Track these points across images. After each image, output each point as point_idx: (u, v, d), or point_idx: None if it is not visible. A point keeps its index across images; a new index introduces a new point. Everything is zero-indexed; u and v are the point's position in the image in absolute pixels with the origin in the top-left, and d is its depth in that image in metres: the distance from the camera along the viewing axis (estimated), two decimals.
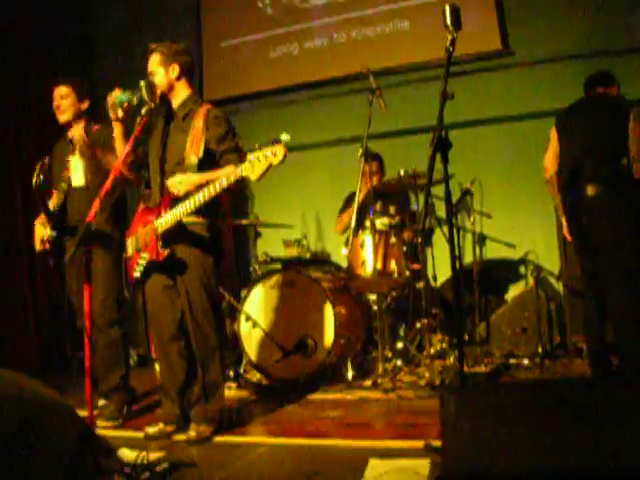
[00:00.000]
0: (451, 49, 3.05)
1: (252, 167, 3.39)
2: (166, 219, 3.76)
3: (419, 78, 6.79)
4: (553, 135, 4.74)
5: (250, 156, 3.39)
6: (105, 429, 4.18)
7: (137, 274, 3.92)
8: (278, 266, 5.97)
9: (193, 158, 3.80)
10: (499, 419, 2.24)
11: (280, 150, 3.36)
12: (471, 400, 2.32)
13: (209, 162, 3.82)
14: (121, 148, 3.96)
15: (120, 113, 3.84)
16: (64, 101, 4.55)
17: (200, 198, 3.63)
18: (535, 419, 2.21)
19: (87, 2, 8.40)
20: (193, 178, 3.76)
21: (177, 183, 3.76)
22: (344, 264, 5.57)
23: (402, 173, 5.40)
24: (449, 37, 3.06)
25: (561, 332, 5.57)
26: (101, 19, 8.38)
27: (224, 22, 7.84)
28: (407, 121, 6.68)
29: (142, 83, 3.74)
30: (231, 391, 5.04)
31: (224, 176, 3.61)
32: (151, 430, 3.98)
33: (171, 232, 3.77)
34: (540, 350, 5.35)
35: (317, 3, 7.42)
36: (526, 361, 5.28)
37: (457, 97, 3.12)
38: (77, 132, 4.60)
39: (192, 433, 3.83)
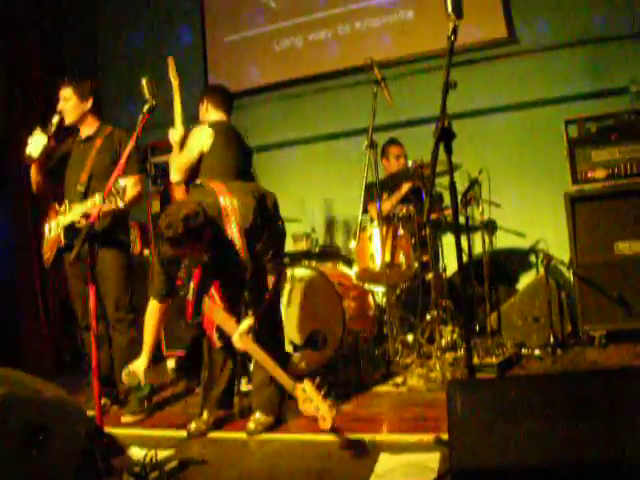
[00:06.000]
0: (453, 37, 3.00)
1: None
2: None
3: (424, 68, 6.73)
4: None
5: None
6: (128, 425, 4.31)
7: None
8: (287, 261, 5.94)
9: None
10: (506, 413, 2.21)
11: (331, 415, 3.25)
12: (478, 394, 2.29)
13: None
14: None
15: None
16: (68, 103, 4.52)
17: None
18: (544, 412, 2.18)
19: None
20: None
21: None
22: (354, 257, 5.53)
23: (410, 164, 5.38)
24: (450, 25, 3.02)
25: (573, 321, 5.52)
26: (103, 14, 8.42)
27: (228, 17, 7.80)
28: (413, 112, 6.64)
29: (143, 80, 3.73)
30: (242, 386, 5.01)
31: None
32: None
33: None
34: (552, 340, 5.28)
35: None
36: (538, 351, 5.20)
37: (463, 86, 3.10)
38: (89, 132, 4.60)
39: (251, 425, 3.90)
